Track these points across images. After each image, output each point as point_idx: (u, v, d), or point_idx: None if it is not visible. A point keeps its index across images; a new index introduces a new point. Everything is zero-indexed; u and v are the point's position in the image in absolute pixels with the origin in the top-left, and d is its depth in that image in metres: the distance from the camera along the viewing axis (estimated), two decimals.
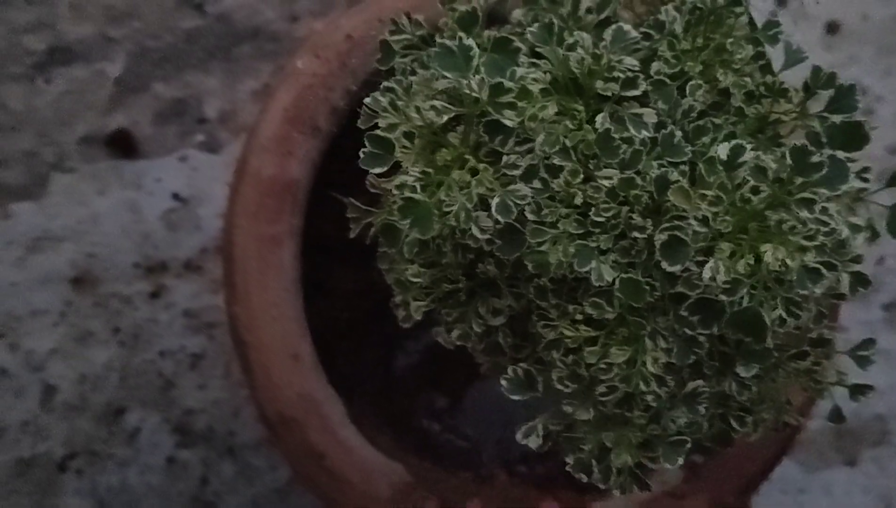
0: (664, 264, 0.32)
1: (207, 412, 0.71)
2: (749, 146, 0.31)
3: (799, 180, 0.30)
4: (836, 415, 0.39)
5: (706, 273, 0.31)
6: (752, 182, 0.31)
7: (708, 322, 0.33)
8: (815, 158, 0.30)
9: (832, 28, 0.79)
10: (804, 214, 0.30)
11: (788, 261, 0.30)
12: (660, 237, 0.32)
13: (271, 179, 0.53)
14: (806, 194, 0.30)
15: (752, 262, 0.30)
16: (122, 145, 0.72)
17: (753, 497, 0.76)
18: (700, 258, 0.32)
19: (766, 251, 0.30)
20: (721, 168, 0.31)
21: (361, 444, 0.54)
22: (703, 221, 0.31)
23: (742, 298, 0.31)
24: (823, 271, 0.31)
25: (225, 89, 0.73)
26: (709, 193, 0.31)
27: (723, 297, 0.32)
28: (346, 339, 0.60)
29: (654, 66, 0.36)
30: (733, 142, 0.31)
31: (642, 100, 0.36)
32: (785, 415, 0.40)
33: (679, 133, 0.35)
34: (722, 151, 0.31)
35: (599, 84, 0.35)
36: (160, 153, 0.72)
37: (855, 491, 0.76)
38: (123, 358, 0.71)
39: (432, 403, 0.61)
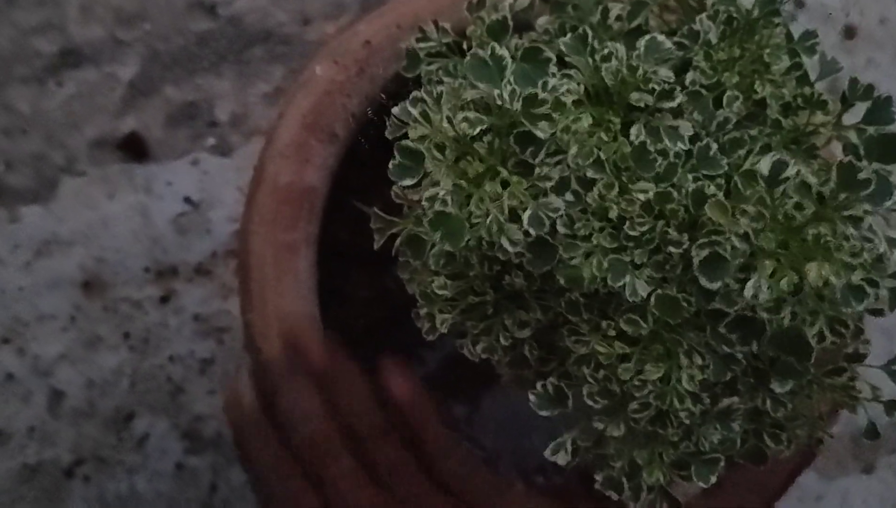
0: (703, 281, 0.31)
1: (217, 418, 0.70)
2: (791, 161, 0.30)
3: (844, 196, 0.30)
4: (872, 432, 0.39)
5: (748, 291, 0.30)
6: (795, 198, 0.30)
7: (748, 340, 0.32)
8: (863, 175, 0.29)
9: (849, 32, 0.78)
10: (850, 231, 0.29)
11: (833, 279, 0.29)
12: (699, 253, 0.31)
13: (288, 186, 0.53)
14: (853, 211, 0.30)
15: (795, 280, 0.30)
16: (133, 149, 0.71)
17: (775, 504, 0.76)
18: (740, 276, 0.31)
19: (810, 269, 0.29)
20: (762, 183, 0.30)
21: None
22: (744, 237, 0.30)
23: (785, 317, 0.31)
24: (867, 288, 0.30)
25: (236, 92, 0.72)
26: (750, 208, 0.30)
27: (764, 315, 0.31)
28: (362, 347, 0.59)
29: (690, 76, 0.35)
30: (775, 156, 0.30)
31: (675, 111, 0.35)
32: (818, 431, 0.39)
33: (715, 145, 0.35)
34: (764, 165, 0.30)
35: (634, 95, 0.34)
36: (171, 157, 0.71)
37: (872, 499, 0.76)
38: (133, 363, 0.70)
39: (449, 412, 0.60)
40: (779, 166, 0.30)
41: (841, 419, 0.77)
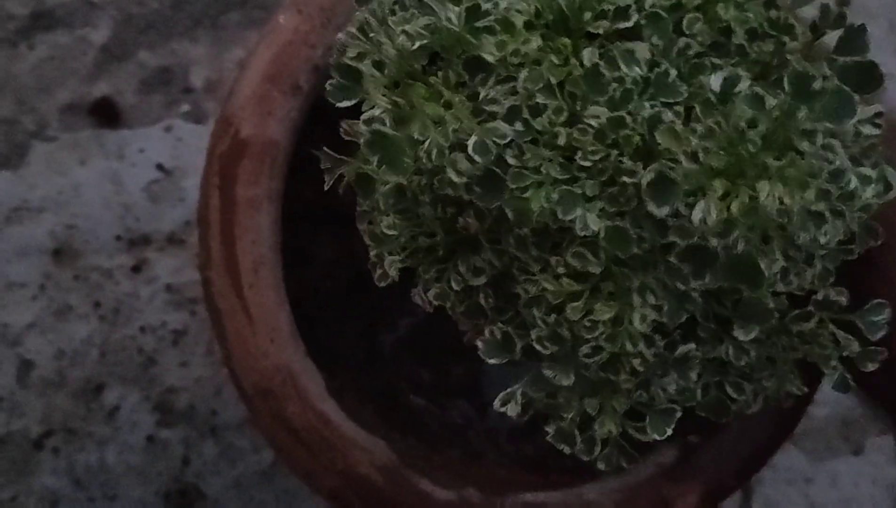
0: (651, 207, 0.29)
1: (189, 391, 0.69)
2: (746, 76, 0.28)
3: (800, 111, 0.27)
4: (843, 384, 0.36)
5: (696, 214, 0.28)
6: (747, 113, 0.28)
7: (700, 271, 0.30)
8: (817, 85, 0.27)
9: (842, 2, 0.76)
10: (804, 145, 0.27)
11: (787, 200, 0.27)
12: (647, 176, 0.29)
13: (249, 139, 0.51)
14: (807, 125, 0.27)
15: (747, 201, 0.28)
16: (105, 114, 0.70)
17: (759, 487, 0.74)
18: (691, 201, 0.29)
19: (763, 189, 0.27)
20: (714, 99, 0.28)
21: (341, 419, 0.51)
22: (693, 157, 0.28)
23: (737, 242, 0.29)
24: (827, 215, 0.28)
25: (212, 58, 0.71)
26: (699, 127, 0.28)
27: (715, 242, 0.29)
28: (328, 309, 0.58)
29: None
30: (727, 71, 0.28)
31: (632, 35, 0.33)
32: (788, 384, 0.37)
33: (674, 72, 0.32)
34: (714, 82, 0.28)
35: (588, 18, 0.32)
36: (144, 123, 0.70)
37: (862, 481, 0.74)
38: (103, 334, 0.69)
39: (418, 377, 0.58)
40: (731, 82, 0.28)
41: (830, 400, 0.75)
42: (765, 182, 0.27)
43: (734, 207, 0.28)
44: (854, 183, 0.31)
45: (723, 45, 0.35)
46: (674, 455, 0.49)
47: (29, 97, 0.70)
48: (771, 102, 0.27)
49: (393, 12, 0.37)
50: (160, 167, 0.70)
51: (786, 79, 0.27)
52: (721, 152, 0.28)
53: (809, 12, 0.36)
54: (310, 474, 0.51)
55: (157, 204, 0.70)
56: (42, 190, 0.69)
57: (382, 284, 0.39)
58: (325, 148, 0.38)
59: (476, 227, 0.37)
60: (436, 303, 0.39)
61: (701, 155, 0.28)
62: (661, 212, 0.29)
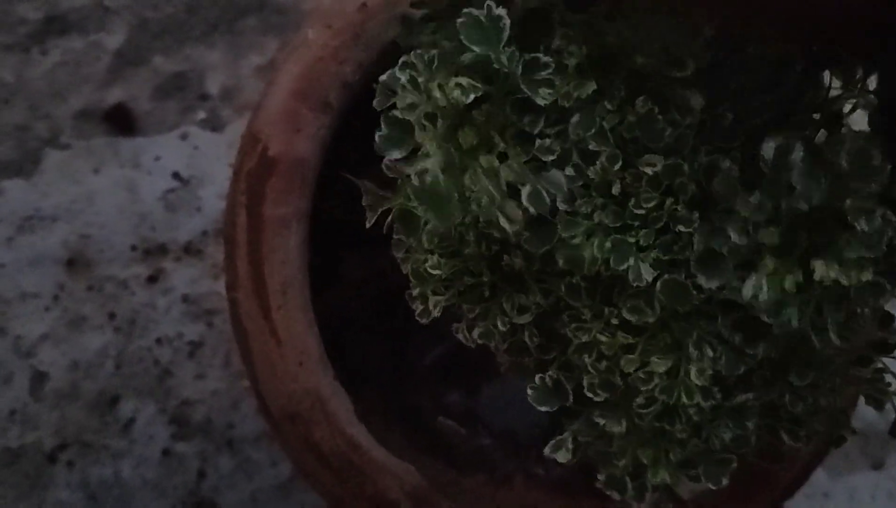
0: (700, 280, 0.28)
1: (206, 403, 0.68)
2: (799, 144, 0.27)
3: (855, 183, 0.26)
4: None
5: (747, 291, 0.27)
6: (801, 187, 0.27)
7: (752, 343, 0.29)
8: (877, 161, 0.26)
9: None
10: (863, 226, 0.26)
11: (843, 281, 0.26)
12: (694, 249, 0.28)
13: (278, 157, 0.50)
14: (863, 203, 0.26)
15: (800, 279, 0.27)
16: (120, 121, 0.69)
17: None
18: (742, 273, 0.28)
19: (816, 268, 0.26)
20: (766, 169, 0.27)
21: (370, 443, 0.50)
22: (745, 230, 0.27)
23: (790, 319, 0.28)
24: (886, 284, 0.27)
25: (228, 64, 0.69)
26: (750, 198, 0.27)
27: (766, 317, 0.28)
28: (355, 330, 0.57)
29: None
30: (781, 135, 0.27)
31: (685, 82, 0.32)
32: (841, 428, 0.36)
33: (730, 115, 0.31)
34: (767, 149, 0.27)
35: (640, 60, 0.31)
36: (159, 130, 0.69)
37: (880, 496, 0.73)
38: (118, 345, 0.68)
39: (446, 399, 0.57)
40: (784, 149, 0.27)
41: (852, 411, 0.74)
42: (819, 262, 0.26)
43: (786, 284, 0.27)
44: None
45: (778, 81, 0.34)
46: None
47: (42, 103, 0.68)
48: (824, 177, 0.26)
49: (437, 46, 0.36)
50: (176, 176, 0.69)
51: (845, 153, 0.26)
52: (772, 228, 0.27)
53: None
54: (338, 500, 0.50)
55: (173, 213, 0.69)
56: (55, 198, 0.68)
57: (424, 320, 0.38)
58: (365, 182, 0.37)
59: (521, 266, 0.36)
60: (480, 341, 0.38)
61: (750, 229, 0.27)
62: (711, 285, 0.28)
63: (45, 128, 0.68)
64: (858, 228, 0.27)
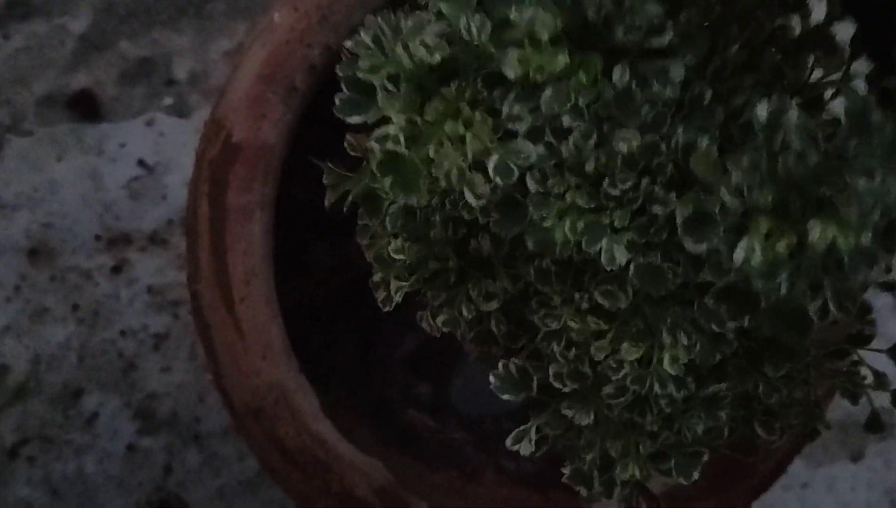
0: (687, 244, 0.27)
1: (171, 397, 0.66)
2: (793, 104, 0.26)
3: (854, 145, 0.25)
4: (875, 424, 0.35)
5: (738, 254, 0.26)
6: (798, 147, 0.26)
7: (738, 314, 0.28)
8: (876, 118, 0.25)
9: None
10: (861, 183, 0.25)
11: (841, 242, 0.25)
12: (683, 211, 0.27)
13: (242, 144, 0.48)
14: (863, 161, 0.25)
15: (794, 242, 0.25)
16: (84, 107, 0.67)
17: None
18: (730, 237, 0.27)
19: (813, 229, 0.25)
20: (759, 131, 0.26)
21: (336, 439, 0.49)
22: (737, 192, 0.26)
23: (781, 286, 0.26)
24: (880, 253, 0.26)
25: (196, 49, 0.68)
26: (744, 159, 0.26)
27: (758, 284, 0.26)
28: (322, 321, 0.55)
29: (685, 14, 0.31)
30: (775, 100, 0.26)
31: (665, 53, 0.31)
32: (816, 421, 0.35)
33: (709, 93, 0.30)
34: (761, 110, 0.26)
35: (619, 33, 0.30)
36: (125, 116, 0.67)
37: (860, 487, 0.73)
38: (81, 337, 0.66)
39: (415, 392, 0.56)
40: (778, 110, 0.26)
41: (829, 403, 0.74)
42: (816, 222, 0.25)
43: (780, 247, 0.25)
44: None
45: (755, 63, 0.33)
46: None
47: (4, 89, 0.67)
48: (821, 135, 0.25)
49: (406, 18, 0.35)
50: (142, 163, 0.67)
51: (843, 112, 0.25)
52: (766, 188, 0.26)
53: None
54: (304, 497, 0.49)
55: (138, 202, 0.67)
56: (17, 187, 0.66)
57: (387, 308, 0.37)
58: (327, 162, 0.35)
59: (489, 250, 0.35)
60: (445, 329, 0.36)
61: (745, 191, 0.26)
62: (698, 249, 0.27)
63: (6, 114, 0.67)
64: (859, 187, 0.26)
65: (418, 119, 0.29)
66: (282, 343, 0.49)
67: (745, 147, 0.27)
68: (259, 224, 0.49)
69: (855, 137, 0.25)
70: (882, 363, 0.39)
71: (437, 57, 0.28)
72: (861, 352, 0.37)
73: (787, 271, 0.26)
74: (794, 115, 0.26)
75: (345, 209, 0.35)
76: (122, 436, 0.66)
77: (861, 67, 0.31)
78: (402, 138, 0.28)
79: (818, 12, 0.33)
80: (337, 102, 0.30)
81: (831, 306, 0.26)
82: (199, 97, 0.68)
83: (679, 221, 0.28)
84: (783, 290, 0.27)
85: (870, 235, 0.25)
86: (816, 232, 0.26)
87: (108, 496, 0.66)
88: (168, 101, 0.68)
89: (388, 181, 0.28)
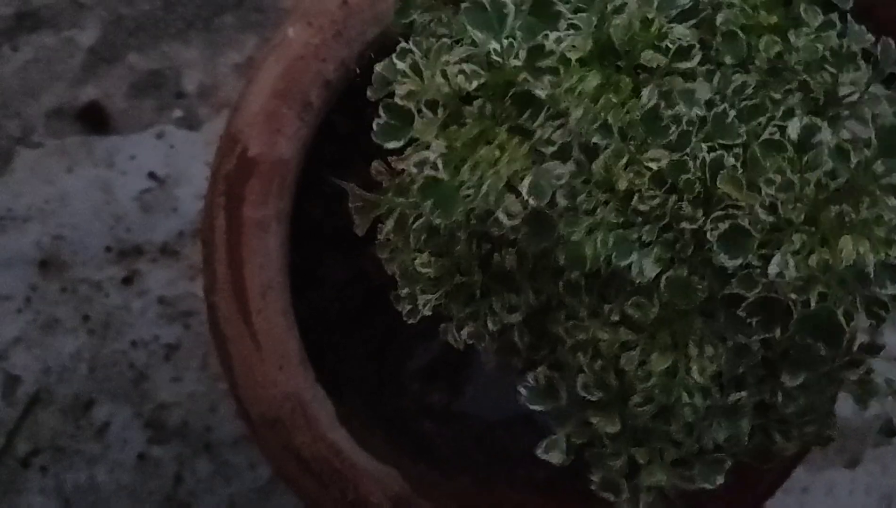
0: (721, 258, 0.28)
1: (182, 407, 0.67)
2: (823, 124, 0.27)
3: (882, 164, 0.26)
4: (889, 430, 0.36)
5: (773, 269, 0.27)
6: (827, 165, 0.27)
7: (771, 325, 0.29)
8: None
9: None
10: (892, 202, 0.26)
11: (869, 257, 0.26)
12: (718, 227, 0.28)
13: (257, 158, 0.49)
14: (892, 180, 0.26)
15: (826, 257, 0.26)
16: (94, 120, 0.68)
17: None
18: (761, 252, 0.28)
19: (845, 245, 0.26)
20: (790, 148, 0.27)
21: (352, 448, 0.49)
22: (770, 208, 0.27)
23: (812, 298, 0.27)
24: None
25: (205, 62, 0.69)
26: (775, 176, 0.27)
27: (792, 296, 0.27)
28: (337, 332, 0.56)
29: (721, 17, 0.31)
30: (805, 119, 0.27)
31: (689, 74, 0.32)
32: (829, 429, 0.36)
33: (732, 112, 0.31)
34: (792, 129, 0.27)
35: (646, 54, 0.31)
36: (135, 129, 0.68)
37: (858, 491, 0.74)
38: (93, 348, 0.66)
39: (428, 401, 0.57)
40: (810, 130, 0.27)
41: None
42: (847, 237, 0.26)
43: (813, 261, 0.26)
44: None
45: (778, 76, 0.33)
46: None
47: (13, 101, 0.67)
48: (853, 155, 0.26)
49: (434, 33, 0.36)
50: (152, 175, 0.68)
51: (873, 132, 0.26)
52: (799, 205, 0.27)
53: None
54: (320, 505, 0.49)
55: (148, 214, 0.68)
56: (27, 198, 0.67)
57: (411, 321, 0.37)
58: (352, 185, 0.36)
59: (513, 264, 0.35)
60: (469, 342, 0.37)
61: (778, 206, 0.27)
62: (733, 264, 0.28)
63: (16, 126, 0.67)
64: (889, 204, 0.27)
65: (456, 144, 0.30)
66: (298, 354, 0.49)
67: (769, 166, 0.28)
68: (275, 237, 0.49)
69: (883, 157, 0.26)
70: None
71: (475, 83, 0.29)
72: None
73: (820, 284, 0.27)
74: (826, 134, 0.27)
75: (362, 231, 0.36)
76: (133, 446, 0.67)
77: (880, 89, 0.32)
78: (440, 164, 0.29)
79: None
80: (375, 127, 0.31)
81: (865, 315, 0.27)
82: (208, 110, 0.68)
83: (713, 236, 0.29)
84: (814, 302, 0.28)
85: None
86: (849, 247, 0.27)
87: (119, 505, 0.66)
88: (178, 113, 0.68)
89: (427, 205, 0.29)
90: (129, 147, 0.68)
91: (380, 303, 0.44)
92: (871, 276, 0.26)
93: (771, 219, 0.27)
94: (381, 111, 0.30)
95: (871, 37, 0.34)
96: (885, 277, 0.26)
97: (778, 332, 0.29)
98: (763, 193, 0.27)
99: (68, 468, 0.66)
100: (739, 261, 0.28)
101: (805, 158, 0.27)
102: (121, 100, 0.68)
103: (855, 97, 0.32)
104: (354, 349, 0.56)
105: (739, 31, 0.31)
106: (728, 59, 0.31)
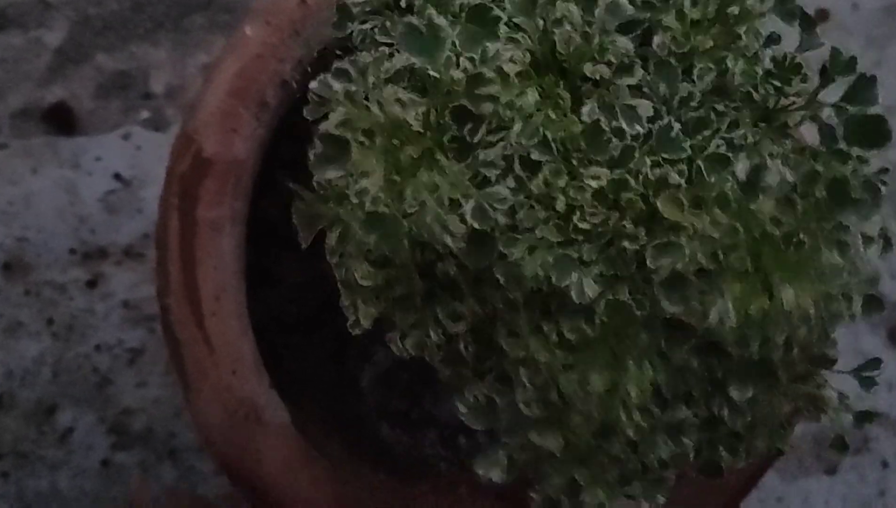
0: (665, 304, 0.27)
1: (146, 412, 0.66)
2: (774, 163, 0.26)
3: (831, 220, 0.25)
4: (840, 444, 0.35)
5: (713, 317, 0.26)
6: (773, 212, 0.26)
7: (712, 369, 0.28)
8: (858, 195, 0.25)
9: (821, 16, 0.75)
10: (835, 258, 0.25)
11: (812, 310, 0.25)
12: (660, 272, 0.27)
13: (213, 158, 0.48)
14: (841, 237, 0.25)
15: (766, 305, 0.26)
16: (60, 120, 0.67)
17: None
18: (705, 289, 0.27)
19: (787, 295, 0.25)
20: (736, 189, 0.26)
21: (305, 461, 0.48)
22: (714, 258, 0.26)
23: (752, 345, 0.27)
24: (845, 310, 0.26)
25: (173, 63, 0.68)
26: (723, 220, 0.26)
27: (732, 344, 0.27)
28: (294, 335, 0.55)
29: (657, 39, 0.31)
30: (754, 160, 0.26)
31: (633, 88, 0.31)
32: (780, 442, 0.35)
33: (677, 126, 0.30)
34: (741, 169, 0.26)
35: (588, 67, 0.30)
36: (101, 130, 0.67)
37: (834, 500, 0.73)
38: (56, 352, 0.66)
39: (388, 407, 0.56)
40: (758, 171, 0.26)
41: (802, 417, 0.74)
42: (789, 288, 0.25)
43: (753, 310, 0.26)
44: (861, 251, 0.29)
45: (724, 89, 0.33)
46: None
47: None
48: (799, 203, 0.25)
49: (374, 41, 0.35)
50: (118, 177, 0.67)
51: (821, 183, 0.25)
52: (742, 252, 0.26)
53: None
54: None
55: (114, 215, 0.67)
56: None
57: (356, 331, 0.36)
58: (306, 192, 0.35)
59: (457, 274, 0.35)
60: (413, 352, 0.36)
61: (720, 255, 0.26)
62: (674, 309, 0.27)
63: None
64: (830, 258, 0.27)
65: (396, 178, 0.29)
66: (252, 359, 0.48)
67: (713, 185, 0.28)
68: (230, 239, 0.49)
69: (837, 209, 0.25)
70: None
71: (413, 113, 0.28)
72: (829, 373, 0.37)
73: (760, 333, 0.27)
74: (774, 176, 0.26)
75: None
76: (96, 452, 0.66)
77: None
78: (380, 193, 0.28)
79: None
80: (311, 158, 0.30)
81: (799, 365, 0.27)
82: (176, 111, 0.68)
83: (657, 281, 0.28)
84: (754, 349, 0.27)
85: (842, 304, 0.26)
86: (790, 299, 0.26)
87: None
88: (145, 114, 0.68)
89: (372, 238, 0.29)
90: (95, 148, 0.67)
91: (338, 306, 0.44)
92: (814, 325, 0.26)
93: (714, 267, 0.26)
94: (316, 141, 0.30)
95: (822, 41, 0.33)
96: (829, 325, 0.26)
97: (720, 373, 0.28)
98: (706, 233, 0.26)
99: (30, 474, 0.65)
100: (681, 308, 0.27)
101: (751, 198, 0.26)
102: (88, 100, 0.67)
103: (800, 106, 0.31)
104: (312, 352, 0.55)
105: (672, 61, 0.30)
106: (662, 88, 0.31)
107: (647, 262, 0.27)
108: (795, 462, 0.73)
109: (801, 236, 0.25)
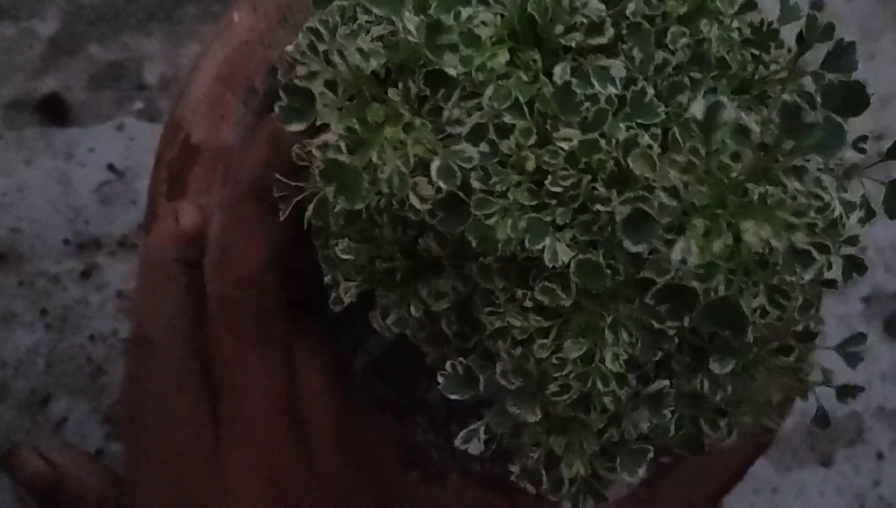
0: (626, 244, 0.27)
1: None
2: (731, 103, 0.26)
3: (789, 145, 0.25)
4: (822, 419, 0.35)
5: (675, 254, 0.26)
6: (732, 147, 0.25)
7: (678, 312, 0.28)
8: (810, 118, 0.25)
9: (816, 7, 0.75)
10: (794, 185, 0.25)
11: (773, 241, 0.25)
12: (621, 211, 0.27)
13: (201, 145, 0.48)
14: (797, 162, 0.25)
15: (730, 242, 0.25)
16: (53, 111, 0.67)
17: (724, 496, 0.72)
18: (669, 237, 0.26)
19: (747, 229, 0.25)
20: (696, 129, 0.26)
21: None
22: (673, 192, 0.26)
23: (718, 285, 0.26)
24: (814, 253, 0.26)
25: (167, 53, 0.68)
26: (680, 158, 0.26)
27: (695, 283, 0.26)
28: (287, 324, 0.55)
29: (631, 6, 0.31)
30: (711, 98, 0.26)
31: (606, 51, 0.31)
32: (764, 418, 0.35)
33: (651, 91, 0.30)
34: (697, 109, 0.26)
35: (559, 30, 0.30)
36: (94, 121, 0.67)
37: (829, 491, 0.73)
38: (50, 342, 0.66)
39: (379, 394, 0.56)
40: (715, 109, 0.26)
41: (798, 409, 0.74)
42: (749, 222, 0.25)
43: (716, 247, 0.25)
44: (838, 210, 0.29)
45: (702, 57, 0.32)
46: (644, 477, 0.47)
47: None
48: (756, 134, 0.25)
49: (344, 22, 0.35)
50: (111, 168, 0.67)
51: (776, 110, 0.25)
52: (702, 188, 0.26)
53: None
54: None
55: (108, 206, 0.67)
56: None
57: (337, 309, 0.36)
58: (277, 175, 0.35)
59: (438, 250, 0.35)
60: (395, 330, 0.36)
61: (681, 190, 0.25)
62: (637, 249, 0.27)
63: None
64: (790, 187, 0.26)
65: (358, 127, 0.29)
66: None
67: (683, 146, 0.27)
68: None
69: (788, 137, 0.25)
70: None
71: (374, 63, 0.28)
72: (818, 351, 0.37)
73: (723, 271, 0.26)
74: (730, 113, 0.26)
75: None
76: (90, 442, 0.66)
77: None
78: (342, 146, 0.28)
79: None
80: (276, 109, 0.30)
81: (765, 304, 0.26)
82: (169, 102, 0.68)
83: (618, 221, 0.28)
84: (720, 289, 0.27)
85: (802, 234, 0.25)
86: (750, 232, 0.25)
87: None
88: (138, 105, 0.68)
89: (330, 191, 0.28)
90: (89, 139, 0.67)
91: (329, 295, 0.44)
92: (776, 262, 0.25)
93: (674, 203, 0.26)
94: (280, 92, 0.29)
95: (804, 13, 0.33)
96: (794, 262, 0.25)
97: (687, 320, 0.28)
98: (669, 175, 0.26)
99: None
100: (644, 246, 0.27)
101: (710, 139, 0.25)
102: (81, 91, 0.67)
103: (779, 75, 0.31)
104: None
105: (645, 22, 0.30)
106: (636, 53, 0.30)
107: (616, 217, 0.27)
108: (790, 452, 0.73)
109: (759, 168, 0.25)
